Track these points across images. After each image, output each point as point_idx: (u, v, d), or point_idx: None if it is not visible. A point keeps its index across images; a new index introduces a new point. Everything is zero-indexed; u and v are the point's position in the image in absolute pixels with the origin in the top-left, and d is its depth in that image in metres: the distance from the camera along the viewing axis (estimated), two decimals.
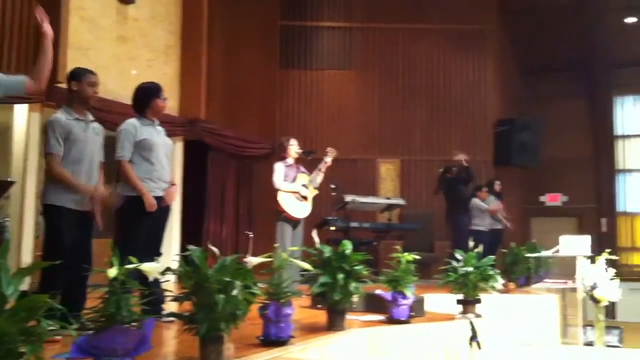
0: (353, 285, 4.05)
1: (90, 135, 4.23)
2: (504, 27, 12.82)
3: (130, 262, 2.61)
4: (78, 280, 3.96)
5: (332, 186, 7.52)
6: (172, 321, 4.29)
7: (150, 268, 2.58)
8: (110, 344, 2.38)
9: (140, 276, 2.76)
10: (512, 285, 8.19)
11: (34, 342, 2.01)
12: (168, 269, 2.98)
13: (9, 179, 6.62)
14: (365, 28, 11.63)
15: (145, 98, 4.75)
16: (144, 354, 2.51)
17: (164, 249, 4.91)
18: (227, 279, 2.91)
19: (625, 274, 14.14)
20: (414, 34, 11.71)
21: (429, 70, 11.68)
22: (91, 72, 4.30)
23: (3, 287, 1.99)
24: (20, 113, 6.87)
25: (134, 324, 2.53)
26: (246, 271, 3.07)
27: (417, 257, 4.66)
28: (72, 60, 6.76)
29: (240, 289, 2.92)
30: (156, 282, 4.45)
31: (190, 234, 8.60)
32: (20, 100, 6.51)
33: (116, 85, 7.47)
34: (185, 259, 3.02)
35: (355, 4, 11.69)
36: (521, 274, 8.58)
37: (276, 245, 3.65)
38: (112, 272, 2.41)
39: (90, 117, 4.31)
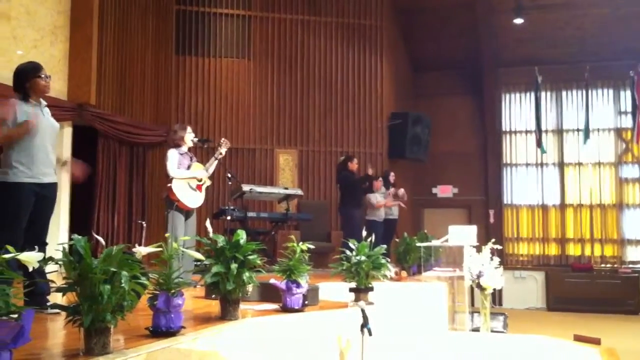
0: (246, 274, 4.03)
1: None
2: (396, 23, 13.14)
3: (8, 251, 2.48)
4: None
5: (228, 175, 7.44)
6: (58, 313, 4.11)
7: (28, 257, 2.44)
8: None
9: (24, 266, 2.62)
10: (404, 273, 8.43)
11: None
12: (49, 259, 2.84)
13: None
14: (263, 17, 11.57)
15: (25, 79, 4.50)
16: (23, 346, 2.39)
17: (51, 238, 4.69)
18: (113, 269, 2.81)
19: (511, 262, 14.95)
20: (311, 26, 11.77)
21: (325, 62, 11.79)
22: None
23: None
24: None
25: (12, 315, 2.39)
26: (133, 261, 2.98)
27: (311, 246, 4.69)
28: None
29: (126, 280, 2.83)
30: (41, 272, 4.26)
31: (79, 224, 8.27)
32: None
33: None
34: (69, 249, 2.89)
35: None
36: (413, 262, 8.86)
37: (167, 235, 3.56)
38: None
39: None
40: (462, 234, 7.55)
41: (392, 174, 10.91)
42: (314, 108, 11.65)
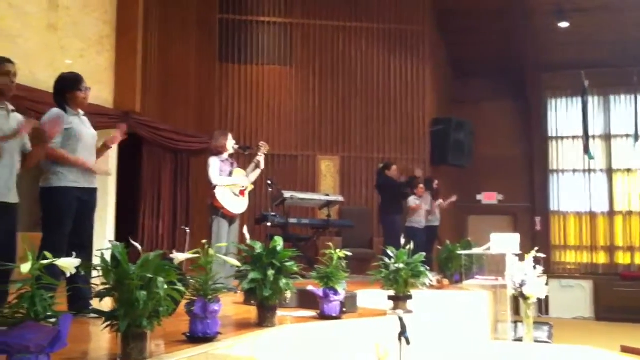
0: (283, 281, 4.04)
1: (12, 125, 4.09)
2: (437, 28, 13.04)
3: (56, 256, 2.54)
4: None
5: (268, 182, 7.49)
6: (99, 317, 4.19)
7: (66, 263, 2.50)
8: (21, 341, 2.30)
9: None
10: (446, 281, 8.33)
11: None
12: (86, 265, 2.89)
13: None
14: (304, 24, 11.62)
15: (65, 90, 4.62)
16: (61, 350, 2.44)
17: (98, 244, 4.79)
18: (150, 275, 2.85)
19: (558, 271, 14.62)
20: (352, 32, 11.77)
21: (367, 68, 11.77)
22: (8, 61, 4.14)
23: None
24: None
25: (50, 320, 2.45)
26: (170, 267, 3.02)
27: (349, 253, 4.68)
28: (0, 49, 6.52)
29: (162, 286, 2.86)
30: (83, 277, 4.35)
31: (125, 230, 8.42)
32: None
33: (46, 75, 7.21)
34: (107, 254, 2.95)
35: (295, 0, 11.66)
36: (455, 270, 8.74)
37: (203, 241, 3.59)
38: (25, 267, 2.32)
39: (11, 107, 4.16)
40: (504, 242, 7.42)
41: (436, 181, 10.81)
42: (355, 114, 11.64)
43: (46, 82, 6.94)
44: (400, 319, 4.23)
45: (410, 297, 5.16)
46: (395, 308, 5.05)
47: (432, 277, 6.68)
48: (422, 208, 10.11)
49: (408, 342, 4.22)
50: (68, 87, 4.61)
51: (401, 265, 5.06)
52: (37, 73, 7.14)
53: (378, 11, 11.85)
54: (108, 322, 2.93)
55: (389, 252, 5.25)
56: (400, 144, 11.69)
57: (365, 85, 11.72)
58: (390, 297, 5.17)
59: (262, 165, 6.91)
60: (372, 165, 11.40)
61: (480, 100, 15.06)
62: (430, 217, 10.40)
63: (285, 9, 11.61)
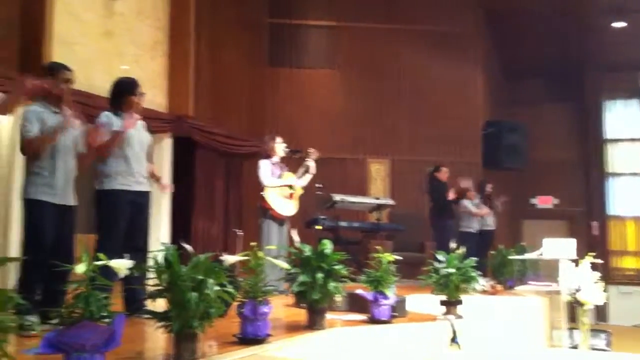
0: (332, 284, 4.04)
1: (69, 131, 4.21)
2: (488, 30, 12.84)
3: (110, 258, 2.60)
4: (58, 277, 3.93)
5: (318, 185, 7.52)
6: (152, 318, 4.27)
7: (119, 265, 2.56)
8: (78, 340, 2.37)
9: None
10: (499, 287, 8.19)
11: None
12: (140, 266, 2.96)
13: None
14: (352, 27, 11.62)
15: (120, 94, 4.74)
16: (115, 349, 2.50)
17: (154, 246, 4.87)
18: (200, 277, 2.90)
19: (616, 277, 14.20)
20: (400, 35, 11.69)
21: (416, 70, 11.68)
22: (67, 68, 4.27)
23: None
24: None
25: (105, 320, 2.51)
26: (220, 269, 3.06)
27: (399, 257, 4.65)
28: (58, 55, 6.71)
29: (212, 287, 2.90)
30: (138, 278, 4.45)
31: (179, 232, 8.57)
32: (5, 93, 6.48)
33: (102, 80, 7.39)
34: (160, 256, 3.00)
35: (341, 3, 11.67)
36: (509, 275, 8.59)
37: (252, 243, 3.63)
38: (80, 268, 2.39)
39: (68, 112, 4.28)
40: (558, 247, 7.24)
41: (489, 185, 10.64)
42: (405, 117, 11.56)
43: (102, 88, 7.13)
44: (452, 324, 4.19)
45: (460, 302, 5.10)
46: (446, 313, 4.99)
47: (484, 283, 6.59)
48: (487, 214, 9.97)
49: (459, 348, 4.18)
50: (124, 92, 4.74)
51: (452, 270, 5.00)
52: (94, 79, 7.33)
53: (427, 13, 11.75)
54: (161, 323, 2.98)
55: (439, 256, 5.20)
56: (451, 146, 11.56)
57: (415, 87, 11.63)
58: (442, 302, 5.11)
59: (313, 170, 6.95)
60: (423, 168, 11.29)
61: (533, 102, 14.76)
62: (485, 222, 10.24)
63: (332, 12, 11.63)
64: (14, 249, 6.39)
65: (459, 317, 4.95)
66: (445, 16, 11.82)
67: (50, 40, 6.80)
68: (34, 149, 4.07)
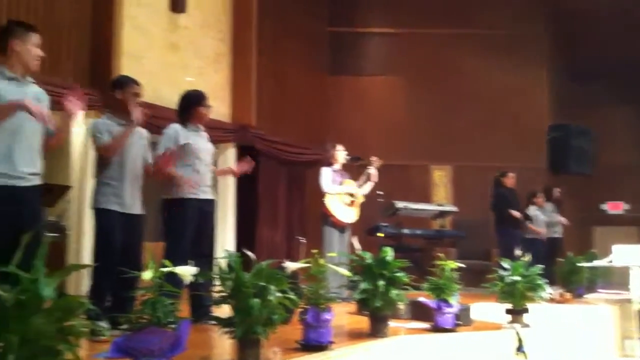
0: (394, 292, 4.03)
1: (135, 139, 4.34)
2: (552, 31, 12.52)
3: (176, 265, 2.67)
4: (126, 283, 4.05)
5: (379, 193, 7.51)
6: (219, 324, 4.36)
7: (184, 271, 2.63)
8: (145, 345, 2.44)
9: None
10: (568, 295, 7.97)
11: (71, 340, 2.07)
12: (205, 273, 3.03)
13: (67, 184, 6.87)
14: (413, 34, 11.54)
15: (189, 105, 4.86)
16: (180, 354, 2.56)
17: (220, 253, 4.98)
18: (262, 284, 2.94)
19: None
20: (462, 39, 11.55)
21: (479, 75, 11.50)
22: (135, 82, 4.40)
23: (40, 288, 2.06)
24: (78, 119, 7.07)
25: (171, 325, 2.58)
26: (282, 276, 3.10)
27: (462, 265, 4.60)
28: (125, 68, 6.96)
29: (274, 293, 2.94)
30: (205, 285, 4.54)
31: (243, 240, 8.69)
32: None
33: (168, 92, 7.62)
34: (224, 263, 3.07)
35: (401, 10, 11.62)
36: (578, 283, 8.35)
37: (314, 250, 3.66)
38: (147, 275, 2.47)
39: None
40: (629, 254, 6.99)
41: (557, 189, 10.38)
42: (468, 122, 11.40)
43: (168, 99, 7.34)
44: (517, 333, 4.11)
45: (527, 310, 4.99)
46: (512, 322, 4.90)
47: (552, 291, 6.43)
48: (542, 232, 9.72)
49: (526, 357, 4.10)
50: (192, 104, 4.86)
51: (517, 278, 4.91)
52: (160, 90, 7.55)
53: (488, 17, 11.58)
54: (225, 329, 3.04)
55: (504, 263, 5.11)
56: (516, 152, 11.32)
57: (477, 92, 11.47)
58: (507, 311, 5.02)
59: (375, 178, 6.95)
60: (486, 174, 11.11)
61: (600, 104, 14.26)
62: (552, 228, 9.99)
63: (393, 19, 11.60)
64: (87, 256, 6.63)
65: (526, 325, 4.85)
66: (509, 19, 11.61)
67: (119, 54, 7.04)
68: (112, 152, 4.19)
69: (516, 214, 8.95)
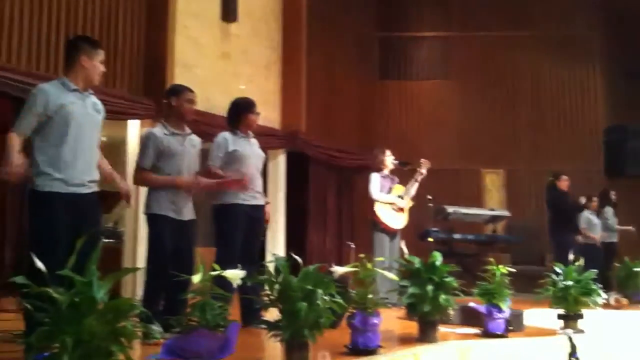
0: (443, 297, 4.01)
1: (187, 147, 4.43)
2: (606, 31, 12.21)
3: (226, 269, 2.74)
4: (178, 287, 4.13)
5: (429, 197, 7.47)
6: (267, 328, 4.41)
7: (233, 275, 2.69)
8: (195, 347, 2.50)
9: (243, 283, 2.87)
10: (625, 301, 7.77)
11: (123, 342, 2.15)
12: (253, 277, 3.08)
13: None
14: (464, 37, 11.45)
15: (238, 113, 4.95)
16: (228, 357, 2.62)
17: (269, 258, 5.05)
18: (309, 287, 2.98)
19: None
20: (514, 42, 11.39)
21: (531, 77, 11.32)
22: (189, 90, 4.51)
23: (94, 290, 2.14)
24: (133, 127, 7.29)
25: (220, 328, 2.64)
26: (329, 280, 3.13)
27: (512, 269, 4.54)
28: (178, 77, 7.13)
29: (322, 297, 2.97)
30: (255, 289, 4.61)
31: (293, 245, 8.76)
32: (133, 116, 6.94)
33: (220, 100, 7.76)
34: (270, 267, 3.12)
35: (453, 13, 11.55)
36: (635, 289, 8.12)
37: (361, 255, 3.68)
38: (196, 278, 2.53)
39: (188, 130, 4.51)
40: None
41: (612, 192, 10.11)
42: (520, 125, 11.23)
43: (220, 107, 7.49)
44: (570, 339, 4.03)
45: (580, 316, 4.89)
46: (564, 327, 4.81)
47: (607, 296, 6.27)
48: (597, 238, 9.48)
49: None
50: (241, 111, 4.95)
51: (570, 283, 4.82)
52: (213, 99, 7.69)
53: (542, 18, 11.39)
54: (273, 332, 3.09)
55: (557, 268, 5.02)
56: (570, 154, 11.09)
57: (529, 94, 11.29)
58: (559, 316, 4.93)
59: (420, 177, 6.93)
60: (540, 177, 10.91)
61: None
62: (610, 233, 9.74)
63: (444, 23, 11.53)
64: (142, 261, 6.79)
65: (580, 331, 4.75)
66: (563, 20, 11.40)
67: (172, 64, 7.21)
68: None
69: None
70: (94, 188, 3.57)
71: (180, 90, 4.50)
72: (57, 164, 3.38)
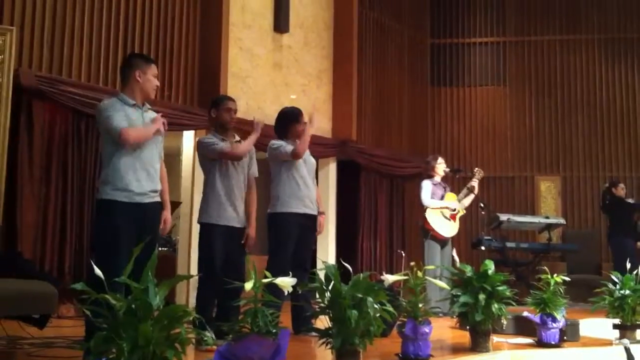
0: (496, 306, 3.97)
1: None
2: None
3: (278, 276, 2.77)
4: (230, 294, 4.20)
5: (481, 205, 7.39)
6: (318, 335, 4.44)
7: (284, 282, 2.72)
8: (247, 353, 2.55)
9: (294, 291, 2.90)
10: None
11: (177, 347, 2.21)
12: (304, 284, 3.12)
13: (177, 200, 7.23)
14: (518, 42, 11.27)
15: (285, 123, 5.01)
16: None
17: (320, 266, 5.07)
18: (360, 295, 3.00)
19: None
20: (570, 45, 11.15)
21: (588, 81, 11.06)
22: (229, 99, 4.61)
23: (150, 296, 2.21)
24: (188, 138, 7.44)
25: (271, 335, 2.67)
26: (380, 288, 3.14)
27: (566, 278, 4.46)
28: (232, 88, 7.26)
29: (372, 305, 2.99)
30: (306, 297, 4.65)
31: (345, 252, 8.77)
32: (188, 127, 7.10)
33: (272, 110, 7.84)
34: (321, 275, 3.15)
35: (507, 18, 11.39)
36: None
37: (412, 263, 3.67)
38: (248, 285, 2.58)
39: (237, 137, 4.60)
40: None
41: None
42: (577, 131, 10.99)
43: (272, 116, 7.59)
44: (627, 350, 3.93)
45: (638, 326, 4.76)
46: (621, 337, 4.68)
47: None
48: None
49: None
50: (288, 121, 5.01)
51: (627, 292, 4.70)
52: (265, 108, 7.81)
53: (599, 21, 11.13)
54: (323, 339, 3.12)
55: (613, 277, 4.91)
56: (628, 161, 10.80)
57: (586, 100, 11.03)
58: (615, 326, 4.82)
59: (476, 191, 6.87)
60: (597, 185, 10.66)
61: None
62: None
63: (497, 28, 11.39)
64: (195, 269, 6.91)
65: (638, 342, 4.62)
66: (620, 23, 11.09)
67: (225, 75, 7.34)
68: (230, 157, 4.40)
69: None
70: (156, 198, 3.67)
71: (219, 101, 4.61)
72: (121, 175, 3.50)
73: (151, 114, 3.73)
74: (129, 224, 3.47)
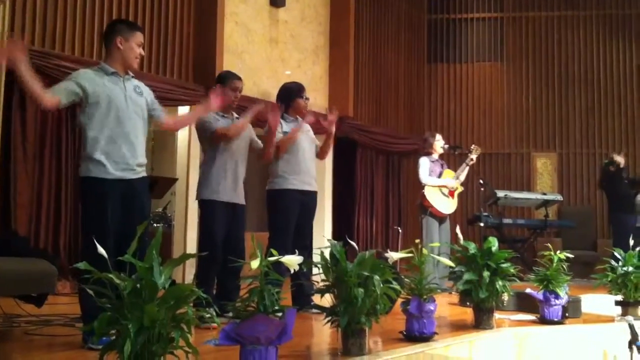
0: (499, 283, 3.94)
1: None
2: None
3: (281, 254, 2.72)
4: (231, 272, 4.16)
5: (480, 182, 7.35)
6: (320, 313, 4.41)
7: (290, 260, 2.66)
8: (253, 333, 2.49)
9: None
10: None
11: (183, 327, 2.15)
12: (308, 262, 3.06)
13: (173, 177, 7.15)
14: (516, 17, 11.16)
15: (287, 98, 4.92)
16: (286, 343, 2.60)
17: (316, 243, 5.03)
18: (366, 273, 2.95)
19: None
20: (568, 22, 11.05)
21: (586, 58, 10.98)
22: (237, 77, 4.50)
23: (155, 276, 2.15)
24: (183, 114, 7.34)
25: (277, 314, 2.62)
26: (385, 266, 3.09)
27: (570, 255, 4.43)
28: (228, 64, 7.13)
29: (378, 284, 2.94)
30: (306, 274, 4.61)
31: (341, 229, 8.75)
32: (183, 102, 6.99)
33: (269, 85, 7.79)
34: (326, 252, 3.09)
35: None
36: None
37: (417, 240, 3.62)
38: (254, 264, 2.52)
39: (236, 115, 4.53)
40: None
41: None
42: (574, 108, 10.93)
43: (268, 92, 7.50)
44: (631, 326, 3.91)
45: None
46: (624, 314, 4.68)
47: None
48: None
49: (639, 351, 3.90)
50: (291, 96, 4.92)
51: (630, 269, 4.68)
52: (261, 84, 7.71)
53: None
54: (329, 318, 3.07)
55: (616, 253, 4.89)
56: (624, 137, 10.77)
57: (584, 77, 10.97)
58: (617, 303, 4.81)
59: (471, 162, 6.81)
60: (594, 161, 10.65)
61: None
62: None
63: (495, 3, 11.27)
64: (192, 246, 6.88)
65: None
66: None
67: (222, 51, 7.21)
68: (224, 138, 4.29)
69: None
70: (143, 173, 3.51)
71: (227, 78, 4.50)
72: (100, 149, 3.32)
73: (135, 83, 3.56)
74: (112, 201, 3.30)
